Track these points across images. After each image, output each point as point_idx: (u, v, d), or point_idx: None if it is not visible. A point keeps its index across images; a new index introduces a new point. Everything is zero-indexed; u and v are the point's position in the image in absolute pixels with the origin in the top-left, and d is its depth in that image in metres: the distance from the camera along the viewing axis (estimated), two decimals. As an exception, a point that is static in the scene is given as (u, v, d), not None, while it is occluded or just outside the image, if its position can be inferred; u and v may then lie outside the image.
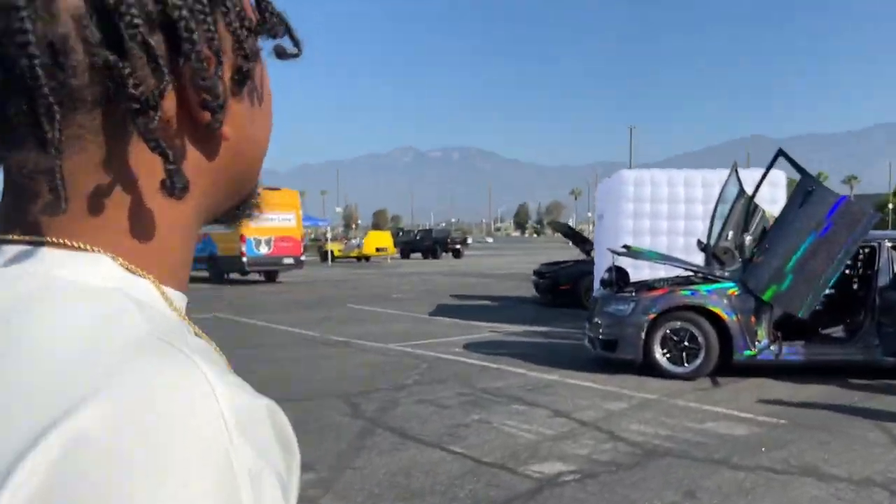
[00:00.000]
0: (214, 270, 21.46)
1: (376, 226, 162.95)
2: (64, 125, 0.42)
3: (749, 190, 8.13)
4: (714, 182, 9.92)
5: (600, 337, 7.85)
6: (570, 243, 17.80)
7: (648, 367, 7.51)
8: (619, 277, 8.43)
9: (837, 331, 7.85)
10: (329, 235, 41.40)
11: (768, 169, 7.72)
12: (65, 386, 0.37)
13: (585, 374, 7.66)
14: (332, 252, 41.27)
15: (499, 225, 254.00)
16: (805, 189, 7.11)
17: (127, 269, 0.46)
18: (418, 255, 45.93)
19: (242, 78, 0.48)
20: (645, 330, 7.47)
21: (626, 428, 5.54)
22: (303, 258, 22.36)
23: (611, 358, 7.75)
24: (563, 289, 14.81)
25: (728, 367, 7.41)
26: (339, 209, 78.87)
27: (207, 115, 0.46)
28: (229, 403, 0.39)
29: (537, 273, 15.94)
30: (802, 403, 6.40)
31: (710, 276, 7.73)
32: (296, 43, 0.53)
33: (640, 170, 11.09)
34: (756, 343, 7.32)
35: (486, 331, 11.17)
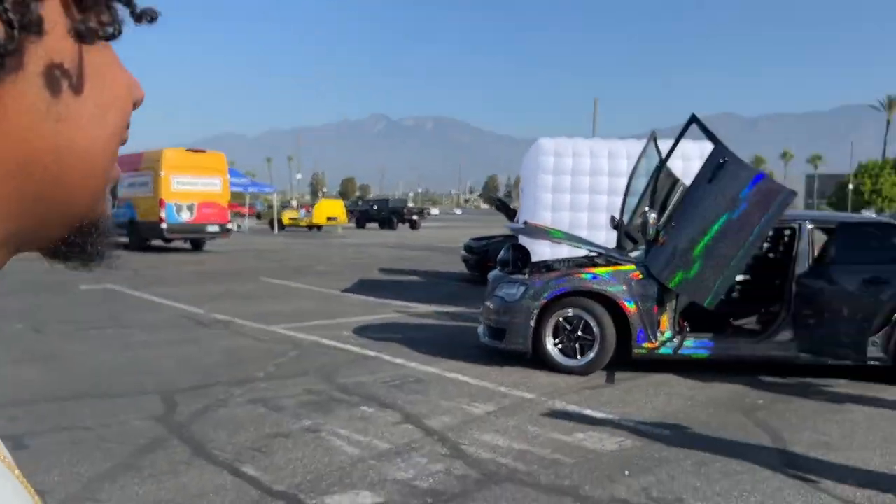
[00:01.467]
0: (135, 237, 20.16)
1: (343, 194, 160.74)
2: None
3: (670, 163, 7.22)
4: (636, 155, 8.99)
5: (489, 324, 6.94)
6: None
7: (540, 360, 6.64)
8: (517, 257, 7.49)
9: (751, 322, 7.02)
10: (276, 203, 39.99)
11: (679, 137, 6.80)
12: None
13: (469, 366, 6.75)
14: (280, 220, 40.05)
15: (468, 196, 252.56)
16: (716, 161, 6.21)
17: None
18: (375, 225, 44.99)
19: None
20: (535, 317, 6.57)
21: (477, 440, 4.62)
22: (229, 225, 21.14)
23: (499, 348, 6.85)
24: (491, 265, 13.90)
25: (630, 360, 6.57)
26: (299, 176, 77.13)
27: None
28: None
29: (467, 248, 15.01)
30: (699, 406, 5.56)
31: (613, 259, 6.83)
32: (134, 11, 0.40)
33: (561, 139, 10.15)
34: (658, 335, 6.46)
35: (392, 311, 10.23)
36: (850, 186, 63.08)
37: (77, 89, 0.38)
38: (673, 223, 6.43)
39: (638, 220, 6.79)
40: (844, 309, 5.94)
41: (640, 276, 6.50)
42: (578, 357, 6.56)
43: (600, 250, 6.92)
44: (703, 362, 6.64)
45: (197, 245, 21.15)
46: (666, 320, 6.48)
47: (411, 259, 19.76)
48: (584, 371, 6.50)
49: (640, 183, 7.27)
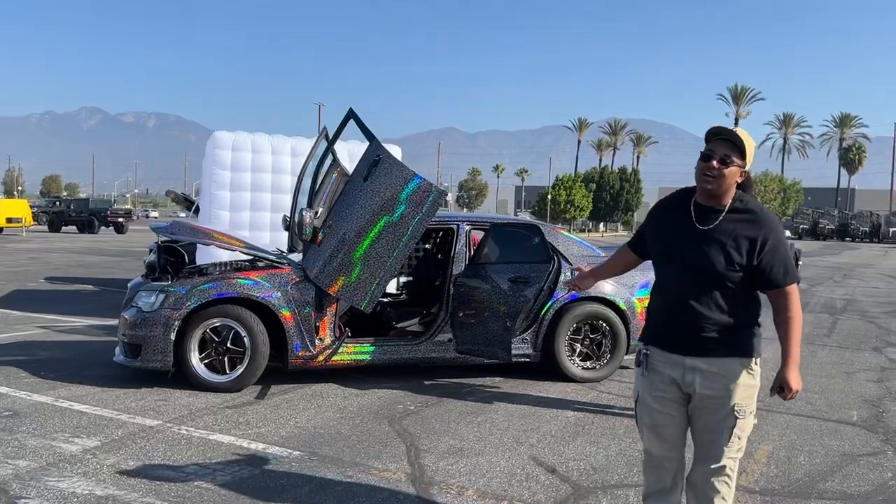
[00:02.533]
0: None
1: (44, 194, 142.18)
2: None
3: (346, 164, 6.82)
4: (306, 152, 8.51)
5: (124, 340, 5.94)
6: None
7: (188, 378, 5.81)
8: (168, 261, 6.57)
9: (414, 324, 6.89)
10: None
11: (338, 132, 6.43)
12: None
13: (96, 390, 5.71)
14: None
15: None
16: (372, 159, 5.92)
17: None
18: (74, 228, 40.02)
19: None
20: (175, 330, 5.73)
21: (50, 489, 3.69)
22: None
23: (137, 367, 5.88)
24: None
25: (294, 372, 6.02)
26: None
27: None
28: None
29: (151, 249, 13.49)
30: (347, 418, 5.16)
31: (269, 261, 6.24)
32: None
33: (241, 133, 9.37)
34: (318, 342, 5.99)
35: (36, 327, 8.63)
36: (549, 197, 70.35)
37: None
38: (330, 223, 6.02)
39: (308, 221, 6.26)
40: (493, 308, 5.97)
41: (298, 280, 5.99)
42: (228, 372, 5.86)
43: (256, 252, 6.27)
44: (371, 369, 6.34)
45: None
46: (325, 326, 6.04)
47: (93, 266, 17.50)
48: (233, 387, 5.81)
49: (308, 182, 6.78)
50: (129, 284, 6.43)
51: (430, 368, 6.55)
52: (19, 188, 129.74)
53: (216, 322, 5.83)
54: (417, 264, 8.03)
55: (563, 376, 6.48)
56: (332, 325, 6.08)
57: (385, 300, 7.62)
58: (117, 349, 6.18)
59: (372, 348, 6.21)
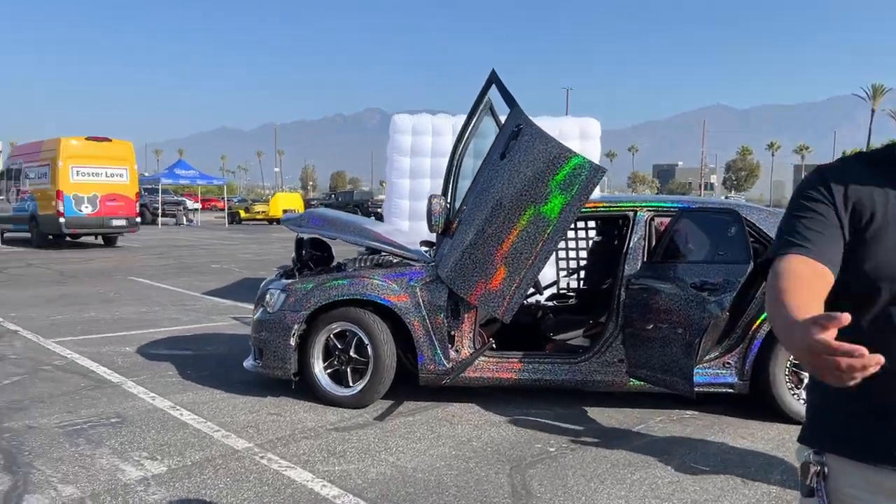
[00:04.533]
0: (36, 232, 18.66)
1: (332, 188, 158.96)
2: None
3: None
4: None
5: (252, 343, 5.46)
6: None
7: (311, 389, 5.18)
8: (312, 255, 6.00)
9: (578, 336, 5.54)
10: (226, 196, 38.57)
11: (479, 101, 5.30)
12: None
13: (220, 396, 5.30)
14: (237, 214, 38.75)
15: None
16: (510, 130, 4.74)
17: None
18: (342, 218, 43.51)
19: None
20: (295, 334, 5.10)
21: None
22: (138, 219, 19.59)
23: (262, 373, 5.38)
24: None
25: (433, 388, 5.11)
26: (276, 169, 75.54)
27: None
28: None
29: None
30: (464, 457, 4.10)
31: (403, 257, 5.35)
32: None
33: (422, 115, 8.65)
34: (451, 354, 4.99)
35: (231, 317, 8.75)
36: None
37: None
38: (464, 209, 4.96)
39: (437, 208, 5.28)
40: (674, 322, 4.46)
41: (429, 280, 5.04)
42: (351, 385, 5.10)
43: (386, 246, 5.42)
44: (523, 390, 5.19)
45: (109, 240, 19.66)
46: (462, 335, 5.01)
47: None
48: (356, 403, 5.04)
49: (470, 164, 5.78)
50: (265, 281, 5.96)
51: (599, 394, 5.20)
52: (311, 183, 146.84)
53: (338, 327, 5.09)
54: (589, 261, 6.63)
55: (780, 415, 4.76)
56: (470, 335, 5.03)
57: (548, 303, 6.36)
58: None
59: (521, 365, 5.05)
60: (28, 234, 19.09)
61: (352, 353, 5.07)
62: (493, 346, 5.15)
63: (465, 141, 5.60)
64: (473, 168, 5.46)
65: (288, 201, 38.14)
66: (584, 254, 6.64)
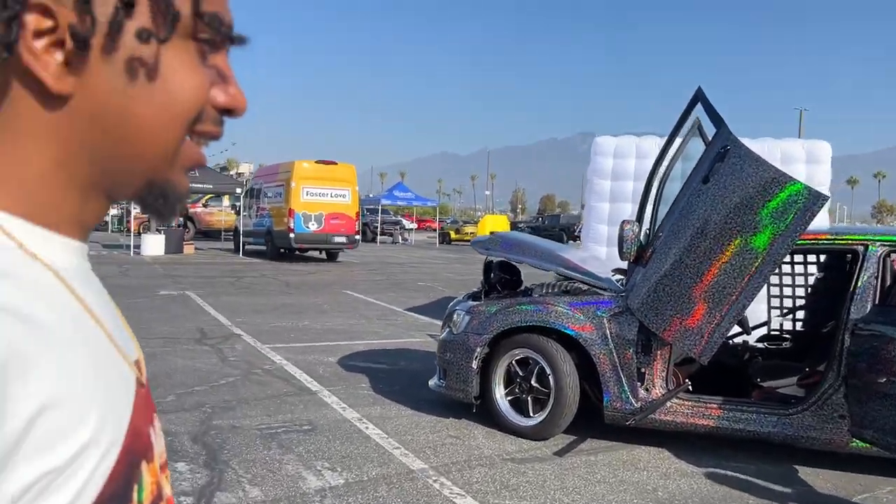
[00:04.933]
0: (270, 246, 20.69)
1: (541, 211, 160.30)
2: None
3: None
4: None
5: (438, 363, 5.49)
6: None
7: (491, 415, 5.10)
8: (499, 278, 5.93)
9: (790, 385, 4.86)
10: (438, 216, 40.01)
11: (681, 121, 4.89)
12: None
13: (407, 413, 5.40)
14: (447, 235, 40.16)
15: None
16: (716, 151, 4.31)
17: None
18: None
19: (114, 33, 0.48)
20: (478, 357, 5.04)
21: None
22: (357, 237, 20.93)
23: (444, 394, 5.38)
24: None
25: (620, 427, 4.80)
26: (487, 192, 77.54)
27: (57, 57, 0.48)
28: None
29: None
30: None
31: (591, 285, 5.09)
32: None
33: (625, 137, 8.25)
34: (639, 393, 4.64)
35: (427, 334, 8.98)
36: None
37: (149, 78, 0.51)
38: (660, 236, 4.60)
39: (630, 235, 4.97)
40: (912, 378, 3.76)
41: (618, 311, 4.73)
42: (532, 415, 4.92)
43: (575, 274, 5.17)
44: (719, 439, 4.69)
45: (331, 255, 21.26)
46: (654, 373, 4.64)
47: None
48: (535, 434, 4.86)
49: (672, 189, 5.42)
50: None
51: (813, 452, 4.53)
52: (520, 206, 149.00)
53: (520, 353, 4.96)
54: (808, 300, 5.83)
55: None
56: (663, 374, 4.64)
57: (757, 345, 5.70)
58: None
59: (720, 412, 4.55)
60: (264, 248, 21.21)
61: (533, 382, 4.91)
62: (690, 388, 4.69)
63: (665, 163, 5.24)
64: (675, 192, 5.08)
65: (495, 224, 38.74)
66: (801, 291, 5.90)
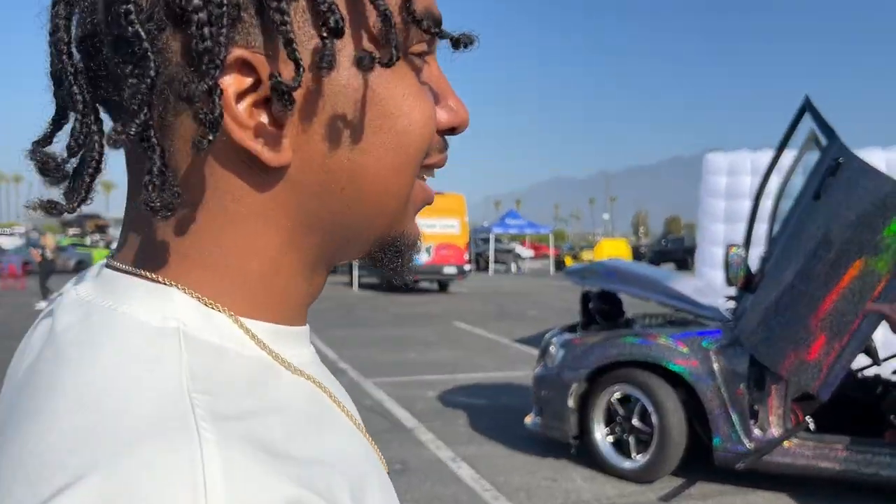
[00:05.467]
0: (384, 277, 21.08)
1: (665, 234, 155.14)
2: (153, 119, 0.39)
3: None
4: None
5: (534, 400, 5.26)
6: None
7: (592, 456, 4.81)
8: (600, 308, 5.64)
9: (934, 424, 4.26)
10: (551, 243, 39.51)
11: (788, 135, 4.47)
12: (66, 461, 0.35)
13: (504, 452, 5.19)
14: (563, 261, 39.63)
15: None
16: (827, 164, 3.90)
17: (202, 302, 0.42)
18: (672, 264, 42.03)
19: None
20: (574, 395, 4.77)
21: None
22: (467, 267, 20.93)
23: (540, 433, 5.13)
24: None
25: (725, 468, 4.40)
26: (605, 216, 76.10)
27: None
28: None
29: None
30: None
31: (698, 315, 4.72)
32: (454, 41, 0.44)
33: (740, 152, 7.71)
34: (753, 432, 4.22)
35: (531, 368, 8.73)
36: None
37: (377, 119, 0.42)
38: (770, 260, 4.20)
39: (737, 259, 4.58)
40: None
41: (726, 343, 4.35)
42: (634, 457, 4.59)
43: (677, 303, 4.82)
44: (840, 481, 4.19)
45: (443, 286, 21.40)
46: (770, 411, 4.21)
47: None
48: (639, 477, 4.52)
49: (787, 207, 4.99)
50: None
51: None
52: (641, 229, 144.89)
53: (619, 390, 4.66)
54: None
55: None
56: (780, 411, 4.21)
57: (893, 377, 5.05)
58: (536, 408, 5.54)
59: (847, 453, 4.06)
60: (378, 280, 21.65)
61: (634, 422, 4.58)
62: (811, 426, 4.23)
63: (775, 179, 4.85)
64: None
65: (613, 248, 37.82)
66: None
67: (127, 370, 0.38)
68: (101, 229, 47.37)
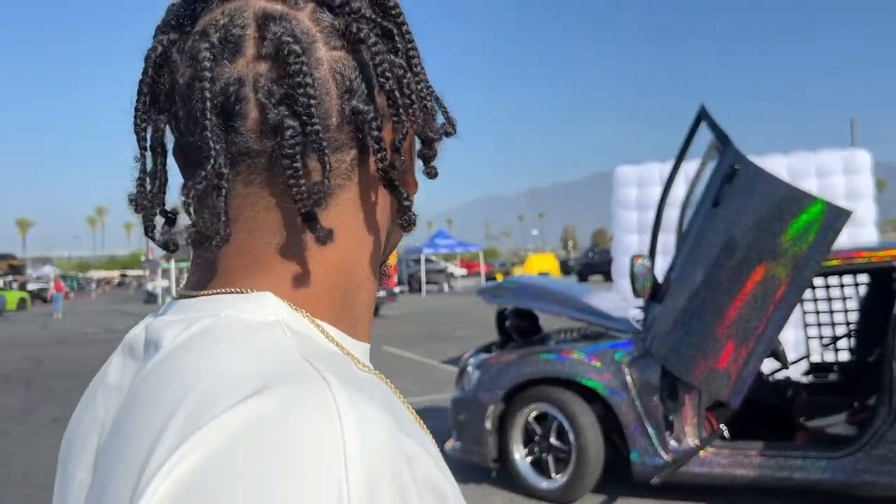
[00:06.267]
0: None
1: (592, 247, 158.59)
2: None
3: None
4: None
5: (450, 422, 5.12)
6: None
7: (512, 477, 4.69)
8: (515, 326, 5.55)
9: (839, 423, 4.32)
10: (482, 261, 39.67)
11: (686, 145, 4.51)
12: (203, 405, 0.40)
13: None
14: (495, 278, 39.86)
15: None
16: (724, 172, 3.93)
17: (289, 306, 0.50)
18: (599, 276, 42.79)
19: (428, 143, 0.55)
20: (492, 416, 4.65)
21: None
22: (397, 289, 20.77)
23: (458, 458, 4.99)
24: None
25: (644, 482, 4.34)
26: (534, 232, 77.22)
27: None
28: (358, 435, 0.39)
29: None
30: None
31: (606, 328, 4.69)
32: (451, 123, 0.59)
33: (649, 164, 7.84)
34: (669, 444, 4.18)
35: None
36: None
37: (383, 215, 0.56)
38: (673, 270, 4.20)
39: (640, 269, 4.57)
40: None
41: (637, 355, 4.32)
42: (553, 475, 4.50)
43: (586, 317, 4.78)
44: (756, 488, 4.18)
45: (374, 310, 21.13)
46: (684, 421, 4.19)
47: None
48: (560, 497, 4.42)
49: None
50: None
51: (868, 501, 3.98)
52: (570, 243, 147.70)
53: (536, 409, 4.56)
54: (859, 327, 5.27)
55: None
56: (694, 421, 4.18)
57: (801, 380, 5.15)
58: (457, 434, 5.39)
59: (761, 459, 4.06)
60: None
61: (552, 440, 4.50)
62: (725, 434, 4.23)
63: (676, 189, 4.88)
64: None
65: (541, 263, 38.38)
66: (842, 317, 5.35)
67: (251, 344, 0.45)
68: (16, 270, 44.78)
